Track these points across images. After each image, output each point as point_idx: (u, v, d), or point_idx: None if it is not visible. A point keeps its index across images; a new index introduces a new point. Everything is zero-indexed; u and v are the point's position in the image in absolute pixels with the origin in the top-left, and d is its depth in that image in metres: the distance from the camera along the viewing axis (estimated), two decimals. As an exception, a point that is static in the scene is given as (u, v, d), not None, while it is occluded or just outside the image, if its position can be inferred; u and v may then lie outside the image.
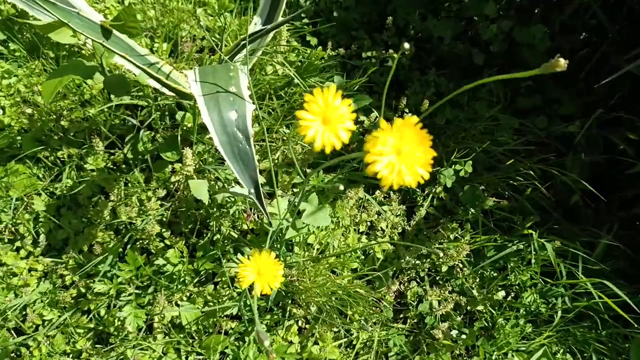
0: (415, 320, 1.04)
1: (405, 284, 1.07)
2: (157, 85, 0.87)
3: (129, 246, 0.96)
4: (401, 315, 1.05)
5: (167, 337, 0.92)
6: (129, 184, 1.01)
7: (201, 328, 0.94)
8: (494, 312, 1.05)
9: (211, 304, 0.95)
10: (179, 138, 1.02)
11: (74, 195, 0.99)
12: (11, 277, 0.94)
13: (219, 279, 0.98)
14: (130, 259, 0.92)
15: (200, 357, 0.92)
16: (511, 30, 1.24)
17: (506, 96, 1.28)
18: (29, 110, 1.06)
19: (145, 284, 0.95)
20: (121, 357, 0.89)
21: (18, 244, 0.97)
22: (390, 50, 1.29)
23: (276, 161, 1.09)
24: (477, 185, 1.15)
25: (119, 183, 1.00)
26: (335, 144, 0.42)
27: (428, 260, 1.07)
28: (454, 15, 1.31)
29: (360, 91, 1.23)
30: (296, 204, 0.81)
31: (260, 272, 0.59)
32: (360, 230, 1.08)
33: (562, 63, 0.38)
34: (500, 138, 1.21)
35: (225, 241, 0.99)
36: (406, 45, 0.54)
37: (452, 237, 1.09)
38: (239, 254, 0.98)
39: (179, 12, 1.21)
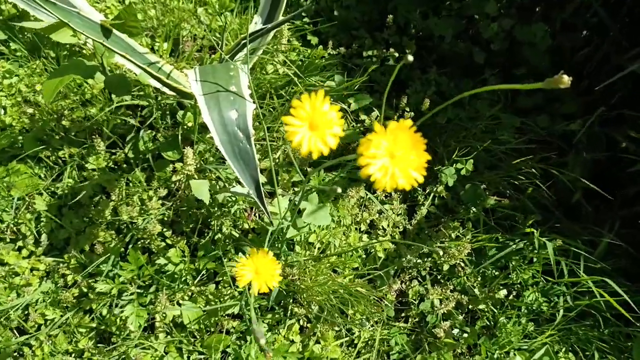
0: (417, 319, 1.04)
1: (407, 283, 1.07)
2: (158, 85, 0.87)
3: (130, 246, 0.96)
4: (403, 314, 1.05)
5: (168, 336, 0.92)
6: (130, 184, 1.01)
7: (203, 327, 0.94)
8: (495, 310, 1.05)
9: (213, 303, 0.95)
10: (179, 137, 1.02)
11: (75, 194, 0.99)
12: (13, 276, 0.94)
13: (221, 278, 0.98)
14: (132, 258, 0.92)
15: (202, 356, 0.92)
16: (512, 28, 1.24)
17: (507, 95, 1.28)
18: (30, 110, 1.06)
19: (147, 283, 0.95)
20: (123, 356, 0.90)
21: (20, 243, 0.97)
22: (391, 49, 1.29)
23: (277, 160, 1.09)
24: (479, 184, 1.15)
25: (120, 182, 1.00)
26: (322, 149, 0.42)
27: (429, 259, 1.07)
28: (455, 14, 1.31)
29: (361, 90, 1.23)
30: (297, 203, 0.81)
31: (258, 271, 0.59)
32: (362, 229, 1.08)
33: (566, 80, 0.38)
34: (502, 137, 1.20)
35: (227, 240, 0.99)
36: (410, 57, 0.53)
37: (453, 235, 1.09)
38: (240, 253, 0.98)
39: (179, 12, 1.21)
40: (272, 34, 0.99)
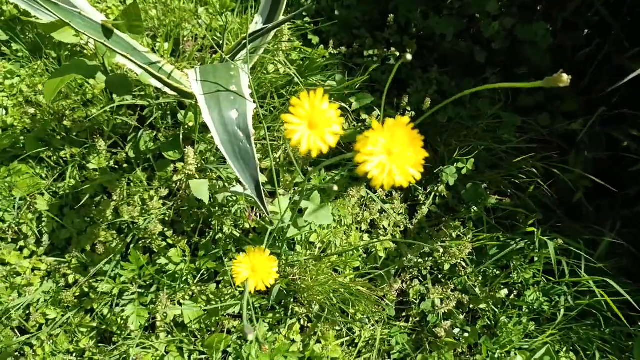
0: (418, 319, 1.04)
1: (408, 282, 1.07)
2: (159, 85, 0.87)
3: (131, 245, 0.96)
4: (403, 314, 1.05)
5: (169, 336, 0.93)
6: (132, 184, 1.01)
7: (203, 327, 0.94)
8: (496, 310, 1.05)
9: (213, 302, 0.95)
10: (180, 137, 1.02)
11: (76, 194, 0.99)
12: (15, 276, 0.95)
13: (221, 278, 0.98)
14: (133, 258, 0.92)
15: (203, 355, 0.93)
16: (513, 27, 1.24)
17: (508, 94, 1.28)
18: (31, 110, 1.06)
19: (147, 283, 0.95)
20: (124, 355, 0.90)
21: (21, 243, 0.98)
22: (392, 49, 1.28)
23: (277, 160, 1.09)
24: (480, 183, 1.15)
25: (121, 182, 1.00)
26: (321, 148, 0.42)
27: (430, 258, 1.07)
28: (456, 13, 1.30)
29: (362, 90, 1.23)
30: (297, 202, 0.81)
31: (255, 268, 0.59)
32: (362, 229, 1.08)
33: (565, 78, 0.38)
34: (503, 136, 1.20)
35: (227, 240, 0.99)
36: (408, 56, 0.53)
37: (454, 235, 1.09)
38: (240, 252, 0.99)
39: (180, 12, 1.21)
40: (272, 33, 0.99)
